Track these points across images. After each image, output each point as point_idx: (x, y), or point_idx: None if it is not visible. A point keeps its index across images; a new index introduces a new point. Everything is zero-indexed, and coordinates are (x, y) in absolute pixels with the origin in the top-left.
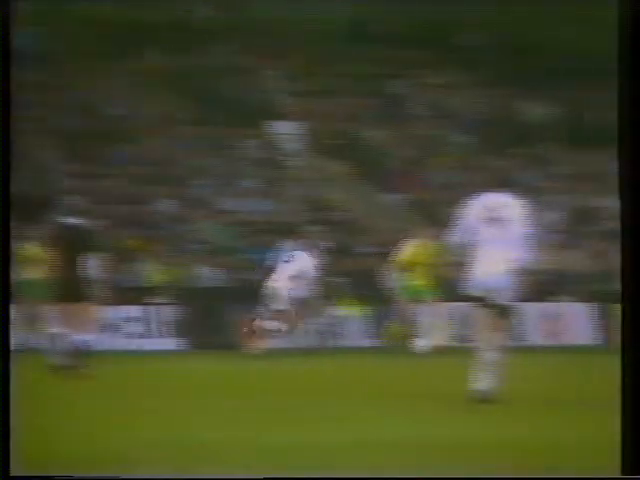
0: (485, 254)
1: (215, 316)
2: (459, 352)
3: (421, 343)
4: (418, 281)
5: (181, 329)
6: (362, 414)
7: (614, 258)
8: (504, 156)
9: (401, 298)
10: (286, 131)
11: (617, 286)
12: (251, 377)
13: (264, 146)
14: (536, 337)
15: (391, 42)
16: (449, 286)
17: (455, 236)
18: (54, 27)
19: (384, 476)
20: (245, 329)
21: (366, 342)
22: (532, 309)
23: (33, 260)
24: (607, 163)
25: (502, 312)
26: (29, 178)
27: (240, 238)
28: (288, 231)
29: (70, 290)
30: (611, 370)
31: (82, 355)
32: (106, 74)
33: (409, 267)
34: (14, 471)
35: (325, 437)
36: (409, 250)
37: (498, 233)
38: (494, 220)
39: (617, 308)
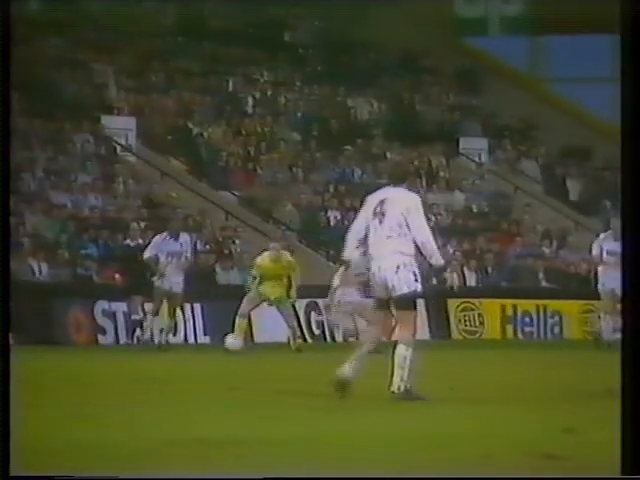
0: (376, 250)
1: (45, 311)
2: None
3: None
4: (271, 290)
5: (12, 323)
6: (205, 411)
7: (448, 253)
8: (335, 153)
9: (250, 299)
10: (119, 126)
11: (449, 281)
12: (72, 373)
13: (97, 141)
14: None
15: (223, 39)
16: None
17: (349, 235)
18: None
19: (385, 476)
20: (76, 323)
21: (204, 339)
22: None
23: None
24: (437, 159)
25: (398, 306)
26: None
27: (72, 233)
28: (121, 227)
29: None
30: (447, 364)
31: None
32: None
33: (263, 275)
34: (14, 471)
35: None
36: (264, 259)
37: (383, 228)
38: (380, 214)
39: (452, 303)
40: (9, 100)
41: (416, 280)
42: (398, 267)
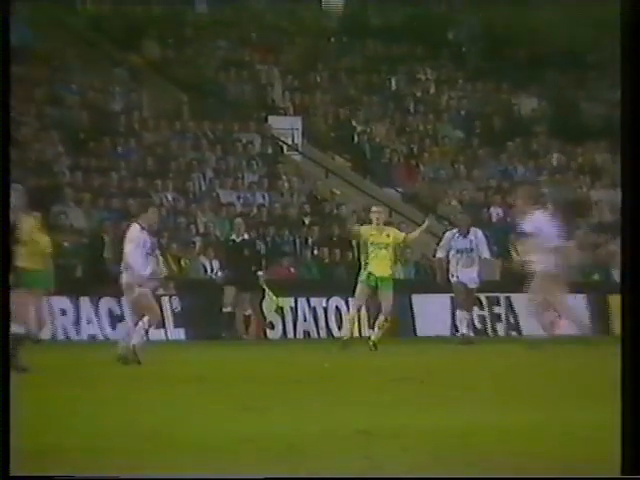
0: None
1: (217, 307)
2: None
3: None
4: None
5: (186, 319)
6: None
7: (607, 249)
8: (498, 150)
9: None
10: (286, 126)
11: (612, 277)
12: (241, 367)
13: (264, 140)
14: (532, 328)
15: (385, 37)
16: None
17: None
18: (53, 22)
19: (385, 476)
20: (245, 319)
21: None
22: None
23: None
24: (600, 155)
25: None
26: (32, 171)
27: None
28: (287, 223)
29: None
30: (604, 360)
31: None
32: (106, 68)
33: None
34: (14, 471)
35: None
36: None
37: None
38: None
39: (613, 299)
40: (9, 100)
41: None
42: None
